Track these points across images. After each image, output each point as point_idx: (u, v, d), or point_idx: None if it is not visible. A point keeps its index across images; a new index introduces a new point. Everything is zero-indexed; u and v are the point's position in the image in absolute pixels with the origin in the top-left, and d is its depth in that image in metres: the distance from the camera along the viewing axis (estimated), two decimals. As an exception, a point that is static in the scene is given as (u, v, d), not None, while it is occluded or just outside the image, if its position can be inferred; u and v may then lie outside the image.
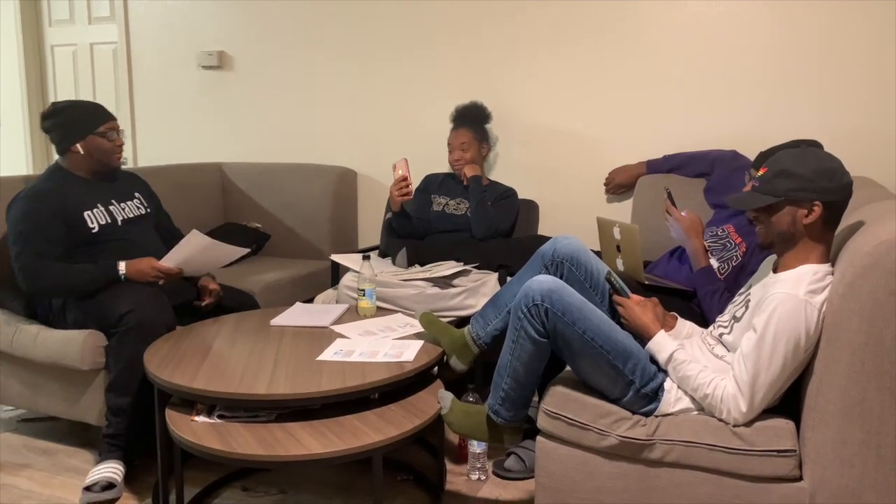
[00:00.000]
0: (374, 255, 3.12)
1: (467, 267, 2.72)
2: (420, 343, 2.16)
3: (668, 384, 1.72)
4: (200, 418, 1.88)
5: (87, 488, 2.17)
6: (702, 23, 2.94)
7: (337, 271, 3.06)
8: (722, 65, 2.93)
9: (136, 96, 4.18)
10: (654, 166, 3.00)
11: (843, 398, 1.51)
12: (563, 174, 3.24)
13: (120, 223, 2.50)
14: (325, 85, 3.68)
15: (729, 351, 1.71)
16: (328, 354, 2.07)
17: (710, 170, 2.83)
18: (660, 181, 2.89)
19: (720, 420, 1.64)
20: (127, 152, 4.24)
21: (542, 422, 1.78)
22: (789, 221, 1.61)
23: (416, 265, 2.83)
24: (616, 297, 1.89)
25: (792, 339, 1.53)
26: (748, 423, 1.62)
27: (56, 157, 2.52)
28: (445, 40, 3.38)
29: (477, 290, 2.63)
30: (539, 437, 1.81)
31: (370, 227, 3.68)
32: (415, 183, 2.94)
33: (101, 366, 2.33)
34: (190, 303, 2.56)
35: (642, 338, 1.78)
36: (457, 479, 2.30)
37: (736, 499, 1.61)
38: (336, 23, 3.60)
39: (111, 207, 2.51)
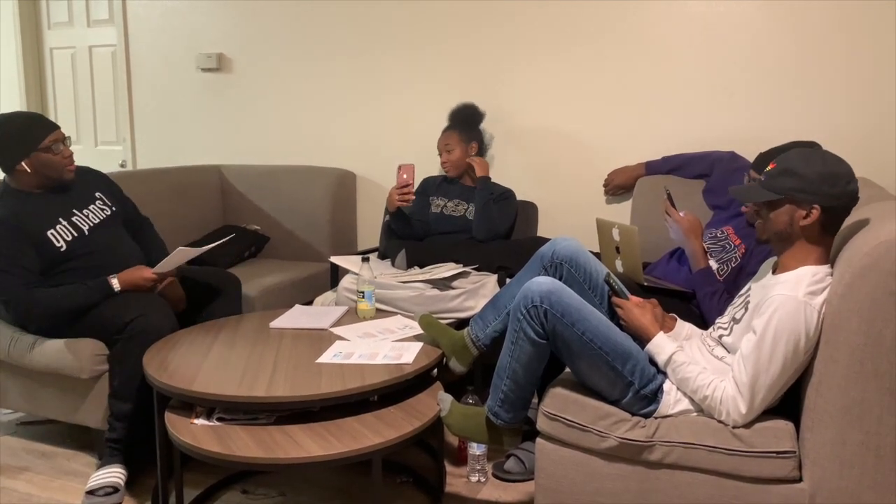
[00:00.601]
0: (373, 257, 3.12)
1: (466, 269, 2.72)
2: (419, 345, 2.16)
3: (667, 386, 1.72)
4: (200, 421, 1.88)
5: (91, 492, 2.17)
6: (701, 23, 2.94)
7: (336, 273, 3.06)
8: (721, 65, 2.93)
9: (135, 99, 4.17)
10: (653, 167, 3.00)
11: (842, 399, 1.51)
12: (562, 175, 3.24)
13: (87, 233, 2.39)
14: (324, 87, 3.68)
15: (729, 352, 1.71)
16: (327, 356, 2.07)
17: (710, 171, 2.83)
18: (659, 182, 2.89)
19: (719, 421, 1.64)
20: (126, 155, 4.24)
21: (542, 423, 1.78)
22: (787, 221, 1.61)
23: (416, 267, 2.84)
24: (615, 299, 1.89)
25: (791, 340, 1.53)
26: (747, 425, 1.61)
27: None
28: (445, 42, 3.38)
29: (476, 292, 2.63)
30: (539, 439, 1.80)
31: (369, 229, 3.68)
32: (413, 187, 2.95)
33: (100, 373, 2.32)
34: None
35: (641, 339, 1.78)
36: (456, 481, 2.30)
37: (735, 500, 1.61)
38: (335, 25, 3.60)
39: (74, 219, 2.38)
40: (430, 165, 3.38)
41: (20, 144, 2.28)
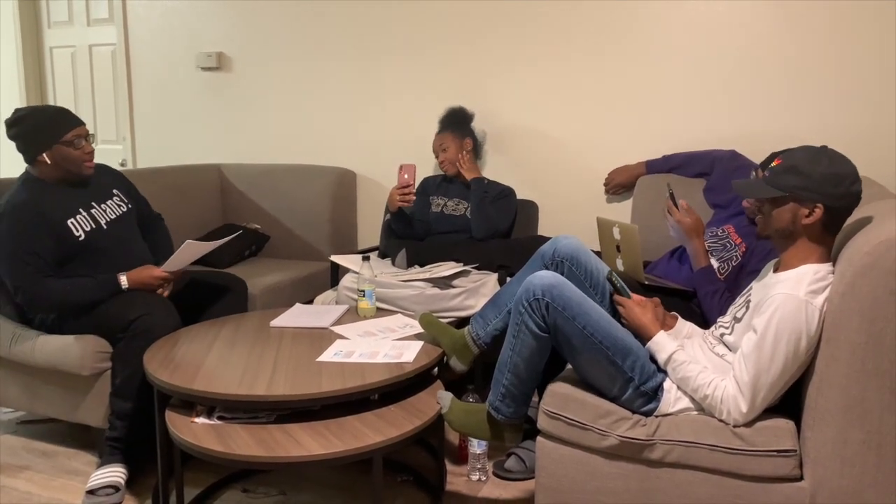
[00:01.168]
0: (373, 255, 3.12)
1: (467, 267, 2.72)
2: (420, 344, 2.16)
3: (667, 384, 1.72)
4: (200, 420, 1.88)
5: (91, 492, 2.17)
6: (702, 23, 2.94)
7: (336, 272, 3.05)
8: (722, 65, 2.93)
9: (135, 98, 4.17)
10: (653, 166, 3.00)
11: (843, 398, 1.51)
12: (563, 174, 3.24)
13: (105, 226, 2.42)
14: (324, 86, 3.68)
15: (730, 351, 1.71)
16: (328, 355, 2.07)
17: (710, 170, 2.83)
18: (659, 181, 2.89)
19: (720, 420, 1.64)
20: (126, 154, 4.24)
21: (542, 422, 1.78)
22: (789, 219, 1.61)
23: (416, 266, 2.84)
24: (617, 297, 1.89)
25: (793, 339, 1.53)
26: (748, 424, 1.61)
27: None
28: (445, 42, 3.38)
29: (476, 291, 2.63)
30: (539, 438, 1.80)
31: (369, 228, 3.68)
32: (414, 187, 2.95)
33: (102, 370, 2.32)
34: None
35: (642, 338, 1.78)
36: (457, 479, 2.30)
37: (736, 499, 1.61)
38: (335, 24, 3.60)
39: (93, 211, 2.41)
40: (430, 165, 3.38)
41: (43, 136, 2.31)
